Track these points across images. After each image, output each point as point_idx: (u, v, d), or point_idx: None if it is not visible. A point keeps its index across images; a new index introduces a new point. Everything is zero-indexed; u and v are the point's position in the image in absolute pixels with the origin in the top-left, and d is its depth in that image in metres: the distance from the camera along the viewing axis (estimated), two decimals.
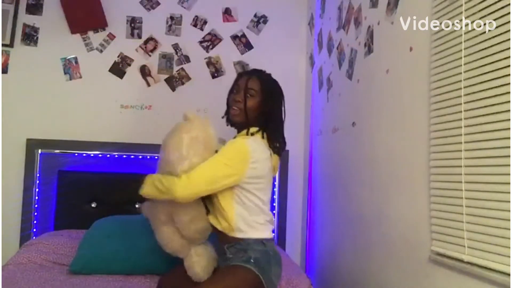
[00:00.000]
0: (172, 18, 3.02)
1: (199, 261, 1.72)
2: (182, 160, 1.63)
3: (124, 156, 2.85)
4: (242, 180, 1.65)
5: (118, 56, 2.95)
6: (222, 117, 1.87)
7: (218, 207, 1.70)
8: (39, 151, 2.76)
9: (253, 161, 1.65)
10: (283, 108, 1.83)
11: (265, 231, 1.73)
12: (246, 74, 1.81)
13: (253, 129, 1.75)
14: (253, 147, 1.66)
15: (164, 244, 1.77)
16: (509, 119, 1.18)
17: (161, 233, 1.76)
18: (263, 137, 1.76)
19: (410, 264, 1.66)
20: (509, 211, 1.17)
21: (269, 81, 1.82)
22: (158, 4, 3.01)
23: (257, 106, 1.75)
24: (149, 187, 1.66)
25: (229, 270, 1.63)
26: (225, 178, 1.63)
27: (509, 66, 1.18)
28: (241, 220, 1.68)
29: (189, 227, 1.71)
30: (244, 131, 1.75)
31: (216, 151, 1.70)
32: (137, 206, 2.71)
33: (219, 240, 1.76)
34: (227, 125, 1.86)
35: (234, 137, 1.78)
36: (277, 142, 1.80)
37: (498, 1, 1.23)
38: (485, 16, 1.28)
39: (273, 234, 1.86)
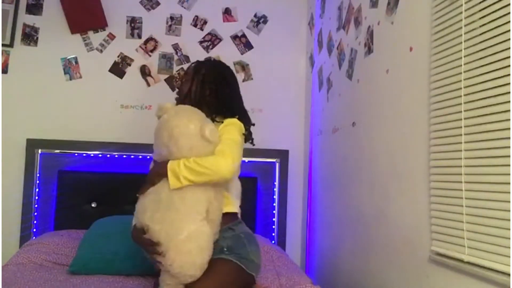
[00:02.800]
0: (172, 18, 3.02)
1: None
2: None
3: (124, 156, 2.85)
4: None
5: (118, 56, 2.95)
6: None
7: None
8: (39, 151, 2.76)
9: None
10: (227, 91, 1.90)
11: (232, 206, 1.77)
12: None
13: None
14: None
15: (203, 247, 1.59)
16: (509, 119, 1.18)
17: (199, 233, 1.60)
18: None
19: (410, 264, 1.66)
20: (509, 211, 1.17)
21: (208, 66, 1.93)
22: (158, 4, 3.01)
23: (190, 90, 1.85)
24: (186, 173, 1.54)
25: (211, 267, 1.59)
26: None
27: (509, 66, 1.18)
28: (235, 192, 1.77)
29: (220, 208, 1.67)
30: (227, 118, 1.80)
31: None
32: None
33: None
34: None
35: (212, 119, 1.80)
36: (250, 135, 1.89)
37: (498, 1, 1.23)
38: (485, 16, 1.28)
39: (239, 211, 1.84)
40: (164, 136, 1.62)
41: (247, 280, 1.69)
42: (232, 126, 1.73)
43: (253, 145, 1.93)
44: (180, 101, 1.85)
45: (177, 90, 1.88)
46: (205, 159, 1.57)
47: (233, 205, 1.79)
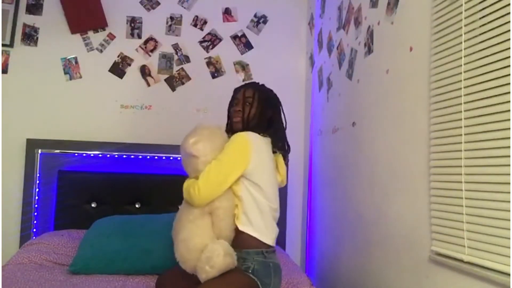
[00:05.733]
0: (172, 18, 3.02)
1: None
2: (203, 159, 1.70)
3: (124, 156, 2.85)
4: (248, 168, 1.69)
5: (118, 56, 2.95)
6: (226, 131, 1.91)
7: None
8: (39, 151, 2.76)
9: (255, 149, 1.70)
10: (282, 115, 1.93)
11: (264, 236, 1.72)
12: (242, 87, 1.92)
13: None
14: (251, 136, 1.72)
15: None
16: (509, 119, 1.18)
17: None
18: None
19: (410, 264, 1.66)
20: (509, 211, 1.17)
21: (263, 89, 1.94)
22: (158, 4, 3.01)
23: (255, 113, 1.84)
24: (184, 194, 1.74)
25: (230, 273, 1.62)
26: (233, 173, 1.69)
27: (509, 66, 1.18)
28: (247, 211, 1.70)
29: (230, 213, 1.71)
30: None
31: None
32: (137, 206, 2.72)
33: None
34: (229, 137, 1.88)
35: None
36: (281, 143, 1.88)
37: (498, 1, 1.23)
38: (485, 16, 1.28)
39: (275, 245, 1.81)
40: None
41: None
42: (229, 143, 1.72)
43: (285, 159, 1.95)
44: (239, 123, 1.84)
45: (236, 111, 1.86)
46: (187, 182, 1.71)
47: (262, 234, 1.72)
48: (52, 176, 2.76)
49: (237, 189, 1.70)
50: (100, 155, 2.82)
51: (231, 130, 1.88)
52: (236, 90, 1.93)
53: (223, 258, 1.59)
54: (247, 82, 2.00)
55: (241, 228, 1.70)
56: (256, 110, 1.84)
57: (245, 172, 1.69)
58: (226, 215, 1.69)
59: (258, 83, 1.99)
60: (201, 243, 1.64)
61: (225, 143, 1.73)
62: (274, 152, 1.84)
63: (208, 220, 1.69)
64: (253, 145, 1.70)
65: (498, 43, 1.22)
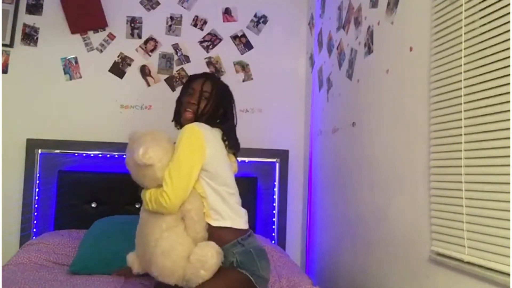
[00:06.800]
0: (172, 18, 3.02)
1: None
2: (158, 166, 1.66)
3: (124, 156, 2.83)
4: (205, 160, 1.66)
5: (118, 56, 2.95)
6: (172, 121, 1.89)
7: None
8: (39, 151, 2.77)
9: (207, 138, 1.68)
10: (234, 112, 1.89)
11: (236, 222, 1.71)
12: (200, 77, 1.86)
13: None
14: (201, 127, 1.70)
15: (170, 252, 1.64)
16: (509, 119, 1.18)
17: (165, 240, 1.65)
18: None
19: (410, 264, 1.66)
20: (509, 211, 1.17)
21: (221, 85, 1.88)
22: (158, 4, 3.01)
23: (209, 109, 1.79)
24: (146, 205, 1.70)
25: (223, 274, 1.62)
26: (194, 169, 1.65)
27: (509, 66, 1.18)
28: (213, 205, 1.69)
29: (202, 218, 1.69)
30: None
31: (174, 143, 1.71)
32: (137, 206, 2.71)
33: None
34: (177, 128, 1.85)
35: None
36: (232, 140, 1.84)
37: (498, 1, 1.23)
38: (485, 16, 1.28)
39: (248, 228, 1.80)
40: None
41: None
42: (180, 138, 1.66)
43: (235, 155, 1.92)
44: (191, 118, 1.79)
45: (190, 103, 1.80)
46: (148, 193, 1.67)
47: (233, 220, 1.72)
48: (52, 176, 2.76)
49: (198, 187, 1.68)
50: (100, 155, 2.82)
51: (179, 122, 1.83)
52: (193, 79, 1.86)
53: (216, 259, 1.58)
54: (205, 72, 1.92)
55: (214, 224, 1.68)
56: (211, 106, 1.79)
57: (204, 164, 1.66)
58: (199, 215, 1.66)
59: (215, 75, 1.91)
60: (185, 251, 1.60)
61: (172, 142, 1.69)
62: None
63: (183, 225, 1.65)
64: (204, 135, 1.67)
65: (498, 43, 1.22)
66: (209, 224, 1.68)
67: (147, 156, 1.61)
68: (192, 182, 1.65)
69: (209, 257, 1.57)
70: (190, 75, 1.93)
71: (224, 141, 1.79)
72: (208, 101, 1.79)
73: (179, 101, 1.87)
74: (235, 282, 1.62)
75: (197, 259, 1.57)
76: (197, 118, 1.77)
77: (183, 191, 1.62)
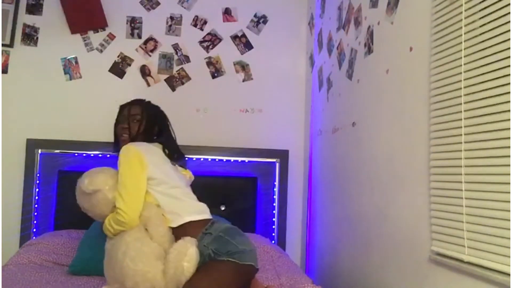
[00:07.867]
0: (172, 18, 3.02)
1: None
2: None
3: None
4: (148, 168, 1.77)
5: (118, 56, 2.95)
6: (114, 151, 2.01)
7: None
8: (39, 151, 2.77)
9: (144, 150, 1.80)
10: (171, 128, 2.05)
11: (195, 213, 1.78)
12: (127, 104, 2.02)
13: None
14: (136, 144, 1.84)
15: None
16: (509, 119, 1.18)
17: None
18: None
19: (410, 264, 1.66)
20: (509, 211, 1.17)
21: (150, 106, 2.03)
22: (158, 4, 3.01)
23: (143, 130, 1.93)
24: (107, 233, 1.76)
25: (206, 270, 1.62)
26: (140, 180, 1.75)
27: (509, 66, 1.18)
28: (168, 208, 1.77)
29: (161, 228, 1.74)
30: None
31: None
32: None
33: None
34: (116, 154, 1.92)
35: None
36: (176, 152, 1.98)
37: (498, 1, 1.23)
38: (485, 16, 1.28)
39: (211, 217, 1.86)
40: None
41: (246, 271, 1.67)
42: (120, 158, 1.79)
43: (184, 166, 2.04)
44: (126, 140, 1.92)
45: (123, 128, 1.96)
46: (106, 219, 1.74)
47: (192, 215, 1.78)
48: (52, 176, 2.76)
49: (149, 198, 1.77)
50: (100, 155, 2.82)
51: (118, 149, 1.92)
52: (122, 107, 2.01)
53: (194, 246, 1.63)
54: (133, 99, 2.06)
55: (174, 225, 1.75)
56: (144, 127, 1.93)
57: (148, 173, 1.76)
58: (160, 219, 1.74)
59: (144, 100, 2.05)
60: (153, 253, 1.66)
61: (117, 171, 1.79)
62: (174, 164, 1.93)
63: (148, 235, 1.71)
64: (140, 149, 1.79)
65: (498, 43, 1.22)
66: (171, 228, 1.75)
67: (94, 183, 1.76)
68: (142, 192, 1.74)
69: (188, 247, 1.61)
70: (120, 105, 2.06)
71: (165, 152, 1.91)
72: (140, 123, 1.93)
73: (114, 133, 2.02)
74: (224, 274, 1.61)
75: (176, 253, 1.61)
76: (132, 139, 1.90)
77: (136, 203, 1.71)
